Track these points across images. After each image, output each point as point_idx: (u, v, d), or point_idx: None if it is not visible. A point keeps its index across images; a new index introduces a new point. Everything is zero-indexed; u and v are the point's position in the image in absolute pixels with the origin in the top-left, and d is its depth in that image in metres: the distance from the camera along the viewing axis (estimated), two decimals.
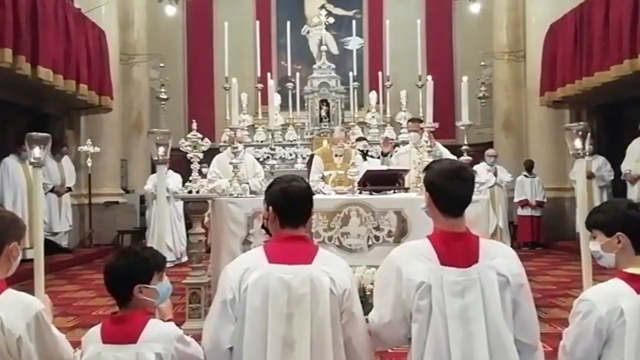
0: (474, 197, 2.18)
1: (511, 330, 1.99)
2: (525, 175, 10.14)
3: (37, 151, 2.61)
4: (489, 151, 9.85)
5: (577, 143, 2.71)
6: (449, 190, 2.05)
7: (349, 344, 2.09)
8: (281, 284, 2.03)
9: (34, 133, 2.63)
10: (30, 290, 2.27)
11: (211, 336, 2.09)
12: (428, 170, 2.19)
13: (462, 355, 1.92)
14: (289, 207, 2.16)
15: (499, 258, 2.05)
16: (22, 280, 2.60)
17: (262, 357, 1.99)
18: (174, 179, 8.59)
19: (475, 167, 9.05)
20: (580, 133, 2.71)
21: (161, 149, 3.33)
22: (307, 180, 2.41)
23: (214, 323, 2.09)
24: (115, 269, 2.14)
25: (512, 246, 9.23)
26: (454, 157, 5.87)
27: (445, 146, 6.13)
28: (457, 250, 2.03)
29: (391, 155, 7.02)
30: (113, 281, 2.13)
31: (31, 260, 2.54)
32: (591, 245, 2.25)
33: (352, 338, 2.09)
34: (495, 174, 9.49)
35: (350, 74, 9.34)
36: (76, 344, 2.26)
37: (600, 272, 2.45)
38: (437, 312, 1.95)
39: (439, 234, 2.08)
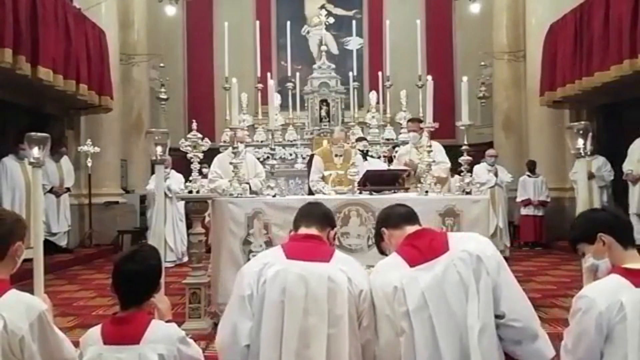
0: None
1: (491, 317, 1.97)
2: (529, 175, 10.14)
3: (36, 151, 2.60)
4: (490, 151, 9.83)
5: (579, 142, 2.70)
6: (394, 211, 2.31)
7: (369, 345, 2.09)
8: (299, 279, 2.04)
9: (33, 133, 2.63)
10: (29, 290, 2.27)
11: (230, 332, 2.09)
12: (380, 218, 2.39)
13: (453, 347, 1.91)
14: (305, 209, 2.37)
15: (471, 242, 2.08)
16: (21, 280, 2.60)
17: (277, 351, 1.99)
18: (176, 180, 8.57)
19: (476, 167, 9.05)
20: (581, 132, 2.70)
21: (159, 149, 3.33)
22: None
23: (232, 319, 2.10)
24: (138, 274, 2.10)
25: (512, 246, 9.29)
26: (447, 163, 5.89)
27: (445, 146, 6.12)
28: (422, 246, 2.07)
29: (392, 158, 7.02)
30: (134, 287, 2.09)
31: (31, 260, 2.54)
32: (585, 261, 2.29)
33: (372, 340, 2.09)
34: (496, 174, 9.48)
35: (350, 74, 9.33)
36: (76, 344, 2.25)
37: None
38: (419, 315, 1.94)
39: (401, 241, 2.17)
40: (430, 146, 5.12)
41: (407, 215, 2.26)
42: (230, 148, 5.54)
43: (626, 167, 8.13)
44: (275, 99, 6.55)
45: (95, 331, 2.10)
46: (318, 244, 2.19)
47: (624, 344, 1.95)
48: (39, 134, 2.64)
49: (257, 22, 7.53)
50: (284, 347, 1.98)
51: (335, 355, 1.99)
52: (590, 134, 2.84)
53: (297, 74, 9.54)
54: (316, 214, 2.31)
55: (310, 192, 6.08)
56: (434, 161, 5.16)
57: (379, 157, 8.09)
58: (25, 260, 2.40)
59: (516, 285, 2.05)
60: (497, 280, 1.99)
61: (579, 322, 2.03)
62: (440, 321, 1.92)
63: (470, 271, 1.97)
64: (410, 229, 2.20)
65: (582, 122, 3.08)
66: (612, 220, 2.19)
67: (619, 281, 2.04)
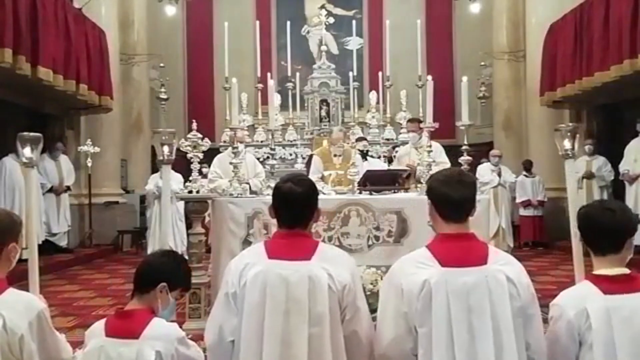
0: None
1: (519, 338, 1.94)
2: (526, 175, 10.14)
3: (28, 151, 2.58)
4: (494, 151, 9.83)
5: (567, 144, 2.73)
6: (446, 192, 2.03)
7: (354, 336, 2.08)
8: (279, 280, 2.03)
9: (25, 133, 2.61)
10: (25, 290, 2.27)
11: (214, 328, 2.09)
12: (430, 179, 2.22)
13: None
14: (282, 207, 2.15)
15: (510, 266, 2.01)
16: (19, 280, 2.60)
17: (258, 353, 1.99)
18: (175, 179, 8.51)
19: (480, 167, 9.08)
20: (569, 134, 2.72)
21: (166, 149, 3.32)
22: (310, 179, 2.29)
23: (217, 316, 2.11)
24: (158, 260, 2.26)
25: (514, 246, 9.28)
26: (447, 163, 5.87)
27: (445, 146, 6.11)
28: (460, 249, 1.99)
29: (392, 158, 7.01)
30: (148, 269, 2.21)
31: (27, 260, 2.54)
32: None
33: (357, 331, 2.09)
34: (500, 174, 9.48)
35: (350, 74, 9.31)
36: (76, 344, 2.26)
37: None
38: (440, 320, 1.90)
39: (438, 239, 2.06)
40: (430, 146, 5.11)
41: (459, 209, 2.02)
42: (230, 148, 5.54)
43: (622, 167, 8.20)
44: (275, 99, 6.54)
45: (100, 324, 2.14)
46: (301, 240, 2.13)
47: (592, 351, 1.98)
48: (32, 133, 2.62)
49: (257, 22, 7.52)
50: (265, 348, 1.97)
51: (318, 353, 1.98)
52: (577, 136, 2.86)
53: (297, 74, 9.50)
54: (301, 215, 2.14)
55: None
56: (434, 161, 5.16)
57: (379, 157, 8.08)
58: (23, 260, 2.40)
59: (541, 318, 2.05)
60: (528, 310, 1.98)
61: (551, 330, 2.06)
62: (459, 333, 1.89)
63: (504, 293, 1.93)
64: (456, 228, 2.03)
65: (570, 124, 3.11)
66: (583, 230, 2.17)
67: (589, 288, 2.07)
